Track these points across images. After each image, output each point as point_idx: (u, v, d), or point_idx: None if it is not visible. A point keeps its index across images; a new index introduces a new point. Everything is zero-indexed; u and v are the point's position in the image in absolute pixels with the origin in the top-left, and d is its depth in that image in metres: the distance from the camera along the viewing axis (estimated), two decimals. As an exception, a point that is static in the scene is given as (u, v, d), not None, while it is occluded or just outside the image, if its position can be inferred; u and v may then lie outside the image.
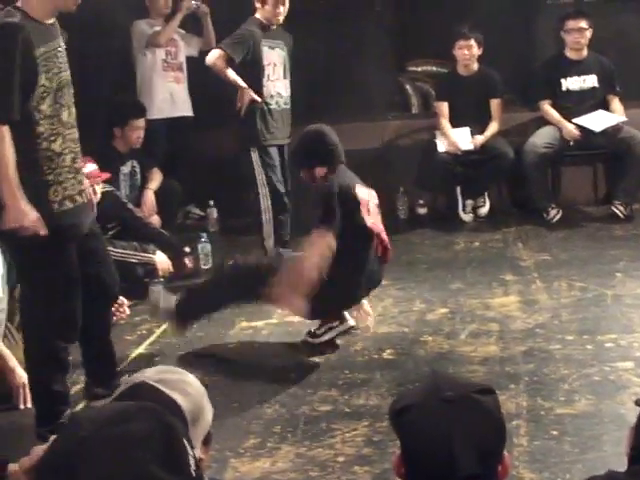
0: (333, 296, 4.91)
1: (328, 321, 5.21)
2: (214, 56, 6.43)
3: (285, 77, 6.63)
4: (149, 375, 2.14)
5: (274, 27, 6.50)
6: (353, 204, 4.95)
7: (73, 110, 4.07)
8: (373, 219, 5.06)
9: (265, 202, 6.56)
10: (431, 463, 1.79)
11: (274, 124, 6.54)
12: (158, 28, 7.77)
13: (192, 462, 1.64)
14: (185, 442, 1.66)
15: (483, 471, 1.78)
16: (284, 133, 6.64)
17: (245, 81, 6.41)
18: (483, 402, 1.85)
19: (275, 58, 6.53)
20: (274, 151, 6.57)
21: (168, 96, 7.85)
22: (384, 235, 5.17)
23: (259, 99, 6.42)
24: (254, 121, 6.50)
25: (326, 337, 5.21)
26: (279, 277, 4.82)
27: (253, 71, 6.44)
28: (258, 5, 6.41)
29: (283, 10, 6.41)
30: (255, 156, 6.51)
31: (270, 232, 6.63)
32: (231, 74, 6.44)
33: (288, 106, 6.66)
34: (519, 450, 3.80)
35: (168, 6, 7.86)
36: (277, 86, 6.55)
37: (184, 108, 7.96)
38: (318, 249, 4.75)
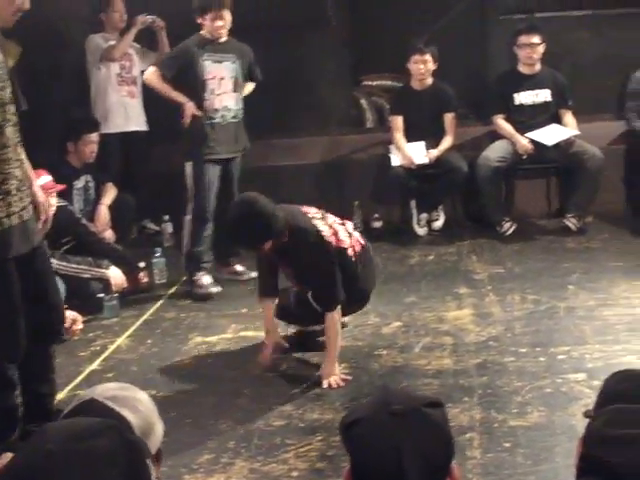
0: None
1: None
2: (148, 73, 6.51)
3: (235, 90, 6.52)
4: (99, 392, 2.13)
5: (222, 40, 6.42)
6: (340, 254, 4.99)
7: (9, 129, 3.88)
8: (343, 238, 5.08)
9: (189, 215, 6.57)
10: (380, 477, 1.79)
11: (215, 138, 6.43)
12: (113, 42, 7.74)
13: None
14: (148, 461, 1.66)
15: (431, 484, 1.79)
16: (230, 147, 6.56)
17: (188, 96, 6.39)
18: (431, 415, 1.85)
19: (222, 72, 6.43)
20: (212, 166, 6.45)
21: (122, 110, 7.82)
22: (356, 239, 5.23)
23: (199, 113, 6.36)
24: (192, 135, 6.47)
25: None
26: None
27: (193, 86, 6.39)
28: (199, 20, 6.40)
29: (223, 24, 6.33)
30: (189, 169, 6.48)
31: (187, 244, 6.60)
32: (167, 90, 6.44)
33: (237, 120, 6.55)
34: (472, 463, 3.82)
35: (123, 20, 7.84)
36: (223, 100, 6.45)
37: (138, 122, 7.94)
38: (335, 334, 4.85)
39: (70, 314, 5.04)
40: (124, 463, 1.55)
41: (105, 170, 7.51)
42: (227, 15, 6.35)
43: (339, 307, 4.84)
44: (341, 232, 5.04)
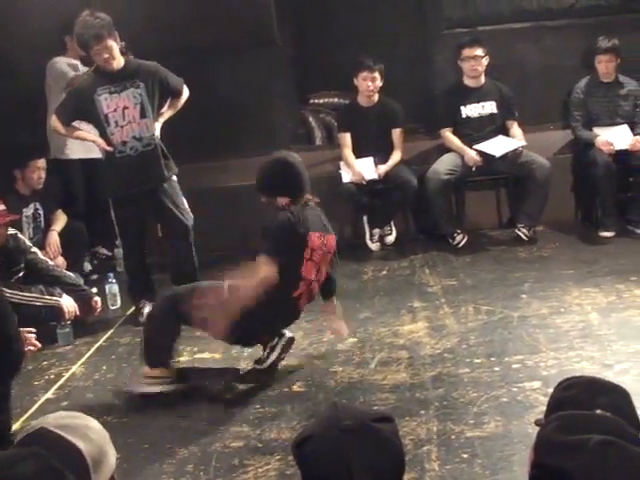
0: (250, 326, 4.92)
1: (267, 343, 5.25)
2: (52, 121, 6.42)
3: (144, 116, 6.21)
4: (50, 421, 2.12)
5: (117, 68, 6.16)
6: (298, 243, 4.98)
7: None
8: (312, 267, 5.07)
9: (122, 250, 6.56)
10: (331, 493, 1.79)
11: (126, 172, 6.20)
12: (80, 67, 7.59)
13: None
14: None
15: (384, 497, 1.79)
16: (146, 177, 6.26)
17: (98, 133, 6.28)
18: (381, 430, 1.85)
19: (123, 102, 6.17)
20: (129, 201, 6.27)
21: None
22: (314, 286, 5.19)
23: (109, 148, 6.19)
24: (104, 172, 6.45)
25: (272, 357, 5.23)
26: (204, 301, 4.82)
27: (95, 123, 6.27)
28: (86, 55, 6.33)
29: (108, 55, 6.07)
30: (111, 205, 6.46)
31: (130, 281, 6.60)
32: (72, 133, 6.40)
33: (152, 147, 6.25)
34: (430, 475, 3.83)
35: None
36: (130, 130, 6.19)
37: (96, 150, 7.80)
38: (256, 277, 4.78)
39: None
40: None
41: (70, 196, 7.54)
42: (110, 43, 6.06)
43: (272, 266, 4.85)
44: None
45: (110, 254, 8.15)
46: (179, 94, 6.46)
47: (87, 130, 6.52)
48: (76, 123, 6.43)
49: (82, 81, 6.44)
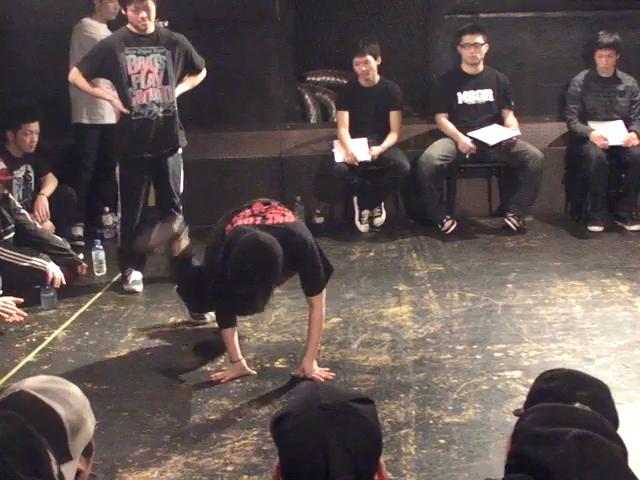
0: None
1: None
2: (71, 73, 6.33)
3: (167, 83, 6.26)
4: (29, 384, 2.11)
5: (148, 32, 6.19)
6: None
7: None
8: None
9: (120, 215, 6.52)
10: (307, 470, 1.79)
11: (141, 137, 6.23)
12: (105, 31, 7.50)
13: (55, 470, 1.64)
14: (48, 452, 1.66)
15: (359, 479, 1.79)
16: (160, 143, 6.32)
17: (117, 91, 6.28)
18: (360, 410, 1.85)
19: (148, 65, 6.18)
20: (137, 165, 6.29)
21: (100, 103, 7.58)
22: None
23: (125, 110, 6.19)
24: (118, 133, 6.42)
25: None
26: None
27: (116, 82, 6.25)
28: (124, 13, 6.27)
29: (146, 15, 6.09)
30: (117, 169, 6.40)
31: (122, 247, 6.55)
32: (91, 89, 6.34)
33: (171, 114, 6.30)
34: (407, 459, 3.85)
35: (115, 12, 7.58)
36: (151, 94, 6.20)
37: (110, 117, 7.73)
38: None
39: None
40: (21, 451, 1.55)
41: (83, 159, 7.58)
42: (151, 5, 6.11)
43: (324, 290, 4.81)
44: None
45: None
46: (198, 71, 6.53)
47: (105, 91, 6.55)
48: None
49: (112, 37, 6.41)
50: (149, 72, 6.21)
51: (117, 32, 6.41)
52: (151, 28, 6.22)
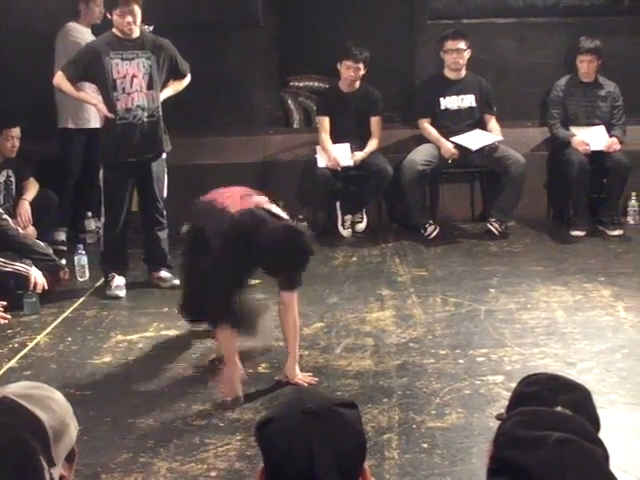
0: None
1: None
2: (56, 77, 6.33)
3: (151, 88, 6.28)
4: (12, 390, 2.10)
5: (133, 36, 6.21)
6: None
7: None
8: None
9: (103, 219, 6.52)
10: (291, 475, 1.79)
11: (125, 140, 6.25)
12: (89, 36, 7.48)
13: (47, 478, 1.64)
14: (41, 459, 1.65)
15: (343, 483, 1.80)
16: (144, 148, 6.34)
17: (102, 95, 6.30)
18: (344, 415, 1.86)
19: (133, 69, 6.20)
20: (121, 170, 6.32)
21: (86, 108, 7.51)
22: None
23: (110, 115, 6.21)
24: (102, 137, 6.43)
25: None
26: None
27: (101, 86, 6.27)
28: (109, 17, 6.28)
29: (132, 19, 6.11)
30: (101, 173, 6.39)
31: (105, 252, 6.56)
32: (75, 93, 6.35)
33: (155, 118, 6.32)
34: (390, 463, 3.86)
35: (100, 17, 7.58)
36: (136, 99, 6.23)
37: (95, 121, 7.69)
38: None
39: None
40: (15, 460, 1.54)
41: (67, 164, 7.61)
42: (137, 10, 6.13)
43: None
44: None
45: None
46: (183, 77, 6.56)
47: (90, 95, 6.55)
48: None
49: (97, 41, 6.42)
50: (134, 76, 6.22)
51: (102, 36, 6.41)
52: (136, 33, 6.23)
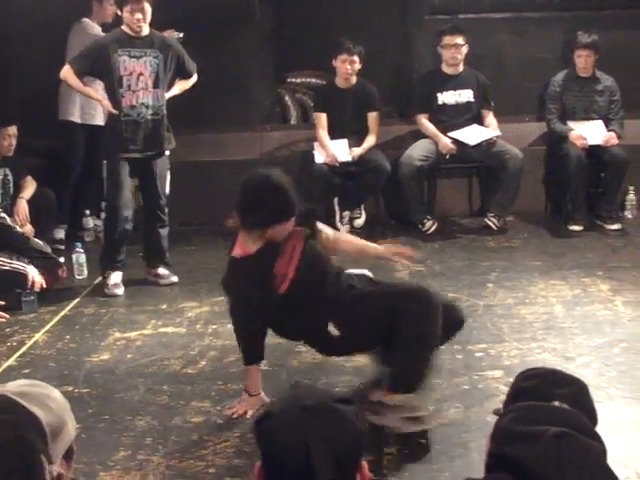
0: None
1: None
2: (63, 70, 6.35)
3: (157, 87, 6.32)
4: (10, 388, 2.10)
5: (142, 34, 6.27)
6: None
7: None
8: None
9: (105, 214, 6.53)
10: (289, 470, 1.79)
11: (130, 137, 6.29)
12: (100, 33, 7.48)
13: (47, 476, 1.63)
14: (42, 456, 1.65)
15: (340, 479, 1.80)
16: (147, 145, 6.38)
17: (107, 91, 6.35)
18: (342, 411, 1.86)
19: (140, 67, 6.25)
20: (125, 166, 6.35)
21: (96, 103, 7.55)
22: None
23: (114, 110, 6.25)
24: (106, 134, 6.46)
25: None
26: None
27: (107, 82, 6.32)
28: (120, 14, 6.32)
29: (142, 16, 6.16)
30: (105, 168, 6.42)
31: (105, 248, 6.58)
32: (81, 87, 6.39)
33: (159, 117, 6.36)
34: (388, 458, 3.85)
35: (112, 16, 7.53)
36: (141, 96, 6.27)
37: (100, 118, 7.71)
38: None
39: None
40: (14, 457, 1.54)
41: (69, 160, 7.58)
42: (147, 8, 6.18)
43: None
44: None
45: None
46: (189, 76, 6.61)
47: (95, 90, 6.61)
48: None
49: (106, 37, 6.46)
50: (140, 74, 6.27)
51: (111, 32, 6.46)
52: (145, 30, 6.28)
